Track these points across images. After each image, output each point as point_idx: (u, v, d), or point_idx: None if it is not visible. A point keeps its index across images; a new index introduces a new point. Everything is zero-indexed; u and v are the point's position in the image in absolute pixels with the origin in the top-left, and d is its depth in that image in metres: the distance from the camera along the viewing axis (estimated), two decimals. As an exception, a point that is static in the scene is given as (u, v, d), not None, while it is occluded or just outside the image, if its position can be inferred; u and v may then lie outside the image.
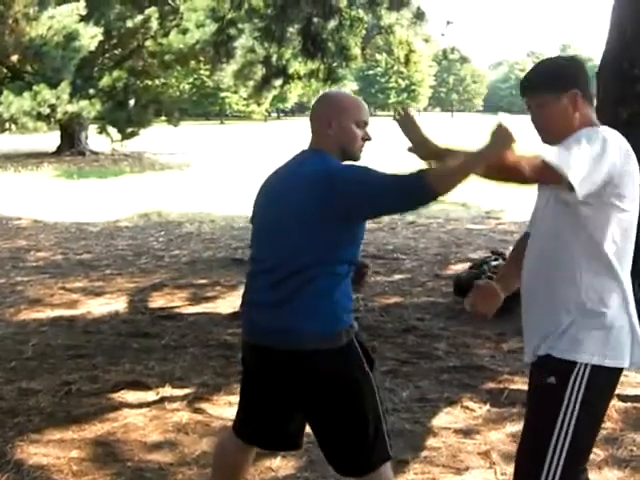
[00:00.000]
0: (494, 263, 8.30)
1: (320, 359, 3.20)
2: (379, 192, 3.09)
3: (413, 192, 3.06)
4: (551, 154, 2.77)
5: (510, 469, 4.48)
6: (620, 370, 3.00)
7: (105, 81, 30.16)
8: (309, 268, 3.17)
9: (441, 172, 3.08)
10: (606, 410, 3.13)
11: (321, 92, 3.76)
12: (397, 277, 9.86)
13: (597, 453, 4.69)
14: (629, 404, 5.40)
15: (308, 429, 3.51)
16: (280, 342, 3.20)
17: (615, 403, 5.35)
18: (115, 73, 30.74)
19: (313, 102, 3.53)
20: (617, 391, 5.54)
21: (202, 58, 30.37)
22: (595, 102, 3.09)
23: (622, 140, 2.90)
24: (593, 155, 2.75)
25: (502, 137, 2.86)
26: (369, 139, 3.37)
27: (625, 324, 2.94)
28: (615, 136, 2.89)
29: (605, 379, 2.96)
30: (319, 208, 3.12)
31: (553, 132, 3.00)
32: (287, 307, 3.19)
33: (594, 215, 2.86)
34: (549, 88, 2.98)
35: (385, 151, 18.83)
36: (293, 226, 3.19)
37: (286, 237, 3.20)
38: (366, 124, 3.36)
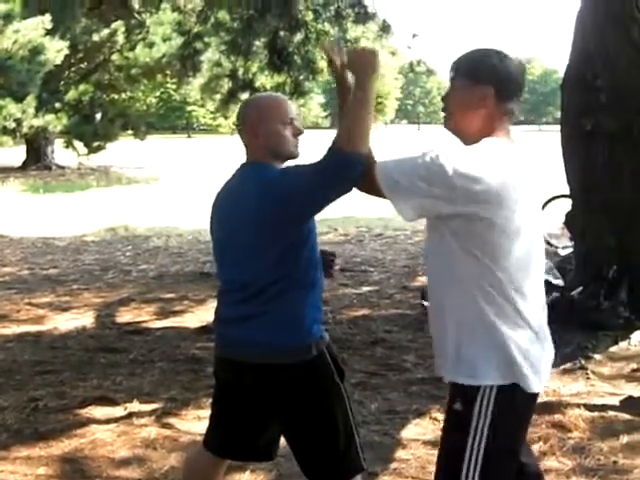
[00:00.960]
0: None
1: (291, 372, 3.20)
2: (312, 185, 3.07)
3: (337, 166, 3.00)
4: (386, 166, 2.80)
5: (479, 479, 4.50)
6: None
7: (71, 95, 30.05)
8: (274, 283, 3.16)
9: (342, 132, 3.04)
10: (525, 428, 2.99)
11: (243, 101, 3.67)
12: (365, 289, 9.87)
13: (565, 462, 4.72)
14: (595, 413, 5.43)
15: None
16: (250, 356, 3.20)
17: (582, 412, 5.40)
18: (81, 87, 30.64)
19: (237, 112, 3.46)
20: (584, 400, 5.64)
21: (169, 72, 30.35)
22: (516, 115, 2.99)
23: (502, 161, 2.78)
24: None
25: (360, 60, 2.97)
26: (300, 132, 3.30)
27: (522, 340, 2.83)
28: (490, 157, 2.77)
29: (514, 398, 2.82)
30: (267, 222, 3.11)
31: (455, 118, 2.95)
32: (256, 321, 3.18)
33: (464, 230, 2.76)
34: (468, 74, 2.90)
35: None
36: (248, 245, 3.18)
37: (246, 257, 3.20)
38: (292, 120, 3.28)
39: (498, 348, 2.78)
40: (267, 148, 3.23)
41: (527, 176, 2.82)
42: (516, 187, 2.73)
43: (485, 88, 2.86)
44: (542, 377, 2.88)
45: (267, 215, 3.10)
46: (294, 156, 3.30)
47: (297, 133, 3.29)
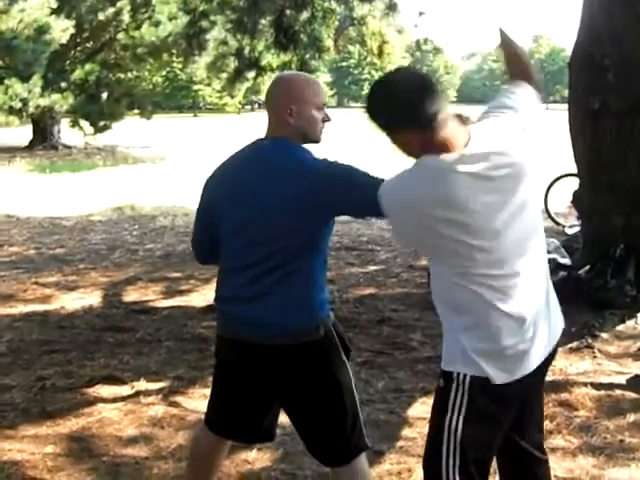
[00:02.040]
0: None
1: (299, 352, 3.21)
2: (359, 191, 3.07)
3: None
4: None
5: (485, 458, 4.51)
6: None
7: (77, 74, 29.95)
8: (287, 263, 3.15)
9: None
10: (505, 417, 2.98)
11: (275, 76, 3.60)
12: (372, 268, 9.87)
13: (571, 441, 4.73)
14: (602, 392, 5.44)
15: (284, 421, 3.52)
16: (258, 335, 3.19)
17: (589, 391, 5.41)
18: (87, 66, 30.52)
19: (268, 86, 3.40)
20: (590, 379, 5.64)
21: (175, 51, 30.14)
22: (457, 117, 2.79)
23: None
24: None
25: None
26: (329, 120, 3.31)
27: (496, 331, 2.84)
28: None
29: (484, 387, 2.85)
30: (296, 201, 3.10)
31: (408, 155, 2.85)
32: (264, 301, 3.18)
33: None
34: (386, 125, 2.77)
35: (357, 143, 18.84)
36: (269, 221, 3.15)
37: (263, 232, 3.17)
38: (325, 105, 3.31)
39: (458, 340, 2.87)
40: (299, 130, 3.20)
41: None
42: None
43: (409, 132, 2.71)
44: (516, 368, 2.86)
45: (296, 195, 3.10)
46: (318, 141, 3.29)
47: (326, 120, 3.29)
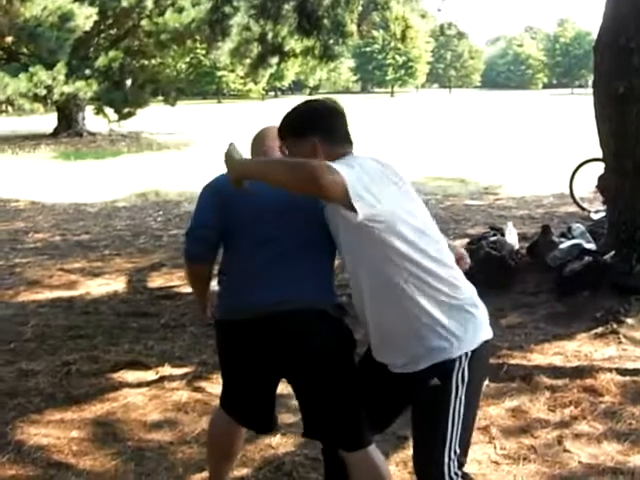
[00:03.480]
0: (492, 239, 8.29)
1: (333, 324, 3.30)
2: None
3: None
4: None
5: (510, 444, 4.52)
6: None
7: (101, 61, 29.94)
8: (317, 244, 3.33)
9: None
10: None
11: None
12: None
13: (596, 427, 4.71)
14: (627, 378, 5.41)
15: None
16: (284, 310, 3.24)
17: (614, 377, 5.38)
18: (111, 53, 30.49)
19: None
20: (615, 365, 5.61)
21: (198, 37, 30.14)
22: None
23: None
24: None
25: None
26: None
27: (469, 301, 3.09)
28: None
29: (480, 355, 3.08)
30: None
31: None
32: (294, 279, 3.29)
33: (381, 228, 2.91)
34: (291, 134, 3.18)
35: (380, 128, 18.75)
36: (312, 207, 3.28)
37: (296, 212, 3.31)
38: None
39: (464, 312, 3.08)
40: None
41: None
42: None
43: (309, 141, 3.10)
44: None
45: None
46: None
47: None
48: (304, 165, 2.80)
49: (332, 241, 3.31)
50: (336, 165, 2.76)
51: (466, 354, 3.00)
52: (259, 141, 3.65)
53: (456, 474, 3.03)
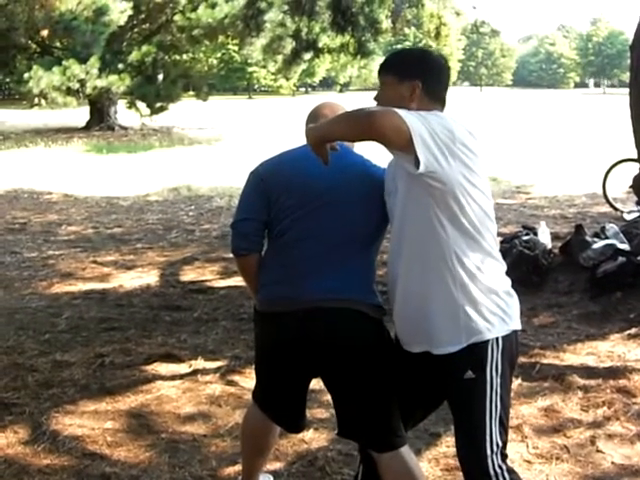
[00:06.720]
0: (525, 238, 8.26)
1: (364, 325, 3.28)
2: None
3: None
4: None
5: (542, 443, 4.51)
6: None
7: (134, 56, 30.05)
8: (361, 240, 3.34)
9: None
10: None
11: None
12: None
13: (629, 428, 4.69)
14: (661, 379, 5.38)
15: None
16: (328, 303, 3.25)
17: (647, 378, 5.35)
18: (144, 48, 30.59)
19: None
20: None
21: (231, 32, 30.18)
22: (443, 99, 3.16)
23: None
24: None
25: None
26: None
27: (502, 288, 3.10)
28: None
29: (511, 345, 3.09)
30: (376, 190, 3.30)
31: None
32: (339, 274, 3.29)
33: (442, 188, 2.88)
34: (396, 71, 3.10)
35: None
36: (359, 201, 3.32)
37: (343, 205, 3.31)
38: None
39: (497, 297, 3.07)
40: None
41: None
42: None
43: (411, 83, 3.06)
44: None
45: (375, 185, 3.34)
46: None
47: None
48: (368, 111, 2.80)
49: (378, 235, 3.34)
50: (403, 112, 2.77)
51: (497, 340, 3.00)
52: (317, 111, 3.59)
53: (500, 467, 3.01)
